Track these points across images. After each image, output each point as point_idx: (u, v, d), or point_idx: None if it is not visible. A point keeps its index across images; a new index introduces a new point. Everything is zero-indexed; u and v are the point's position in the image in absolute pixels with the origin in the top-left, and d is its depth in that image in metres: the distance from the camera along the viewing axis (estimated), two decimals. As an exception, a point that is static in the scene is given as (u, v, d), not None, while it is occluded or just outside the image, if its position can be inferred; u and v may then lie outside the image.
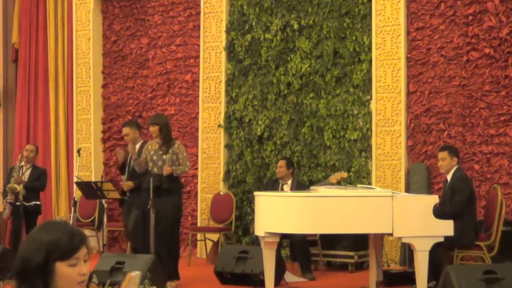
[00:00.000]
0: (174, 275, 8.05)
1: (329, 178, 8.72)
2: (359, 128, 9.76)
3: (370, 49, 9.64)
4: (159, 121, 8.18)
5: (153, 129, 8.13)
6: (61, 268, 2.28)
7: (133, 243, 8.49)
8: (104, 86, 11.66)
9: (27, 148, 10.08)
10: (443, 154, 7.68)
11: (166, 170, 7.95)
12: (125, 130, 8.80)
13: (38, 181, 9.88)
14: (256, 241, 8.67)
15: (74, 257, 2.29)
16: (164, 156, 8.06)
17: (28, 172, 9.86)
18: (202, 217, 10.57)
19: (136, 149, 8.62)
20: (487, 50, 9.08)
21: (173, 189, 8.05)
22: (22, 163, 9.90)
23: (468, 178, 7.98)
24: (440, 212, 6.87)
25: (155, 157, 8.08)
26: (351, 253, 9.08)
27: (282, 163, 9.31)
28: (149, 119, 8.60)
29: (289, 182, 9.23)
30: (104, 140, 11.60)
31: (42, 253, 2.27)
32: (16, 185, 9.61)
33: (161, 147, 8.10)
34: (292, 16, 10.10)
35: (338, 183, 8.64)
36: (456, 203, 7.41)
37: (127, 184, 8.51)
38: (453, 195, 7.52)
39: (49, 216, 11.70)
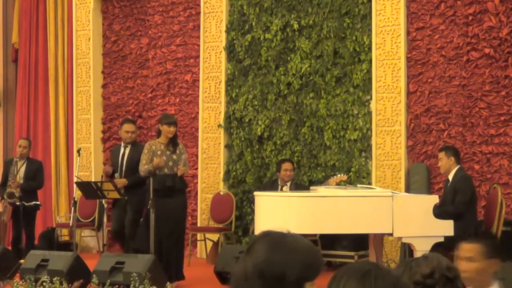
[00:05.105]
0: (181, 275, 8.08)
1: (328, 181, 8.70)
2: (359, 128, 9.75)
3: (370, 49, 9.64)
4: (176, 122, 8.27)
5: (174, 130, 8.09)
6: None
7: (133, 244, 8.48)
8: (104, 86, 11.65)
9: (20, 144, 9.88)
10: (440, 155, 7.94)
11: (181, 170, 8.03)
12: (131, 127, 8.85)
13: (35, 179, 9.76)
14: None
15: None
16: (174, 156, 8.07)
17: (23, 168, 9.70)
18: (202, 217, 10.57)
19: (128, 149, 8.67)
20: (487, 50, 9.08)
21: (184, 189, 8.18)
22: (17, 159, 9.75)
23: (470, 178, 7.99)
24: (441, 213, 6.87)
25: (164, 158, 8.07)
26: (351, 253, 9.07)
27: (290, 166, 9.32)
28: (168, 118, 8.32)
29: (288, 183, 9.25)
30: (104, 140, 11.59)
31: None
32: (13, 190, 9.52)
33: (167, 146, 8.09)
34: (292, 16, 10.10)
35: (338, 185, 8.64)
36: (458, 204, 7.41)
37: (121, 182, 8.54)
38: (454, 196, 7.52)
39: (49, 216, 11.69)
